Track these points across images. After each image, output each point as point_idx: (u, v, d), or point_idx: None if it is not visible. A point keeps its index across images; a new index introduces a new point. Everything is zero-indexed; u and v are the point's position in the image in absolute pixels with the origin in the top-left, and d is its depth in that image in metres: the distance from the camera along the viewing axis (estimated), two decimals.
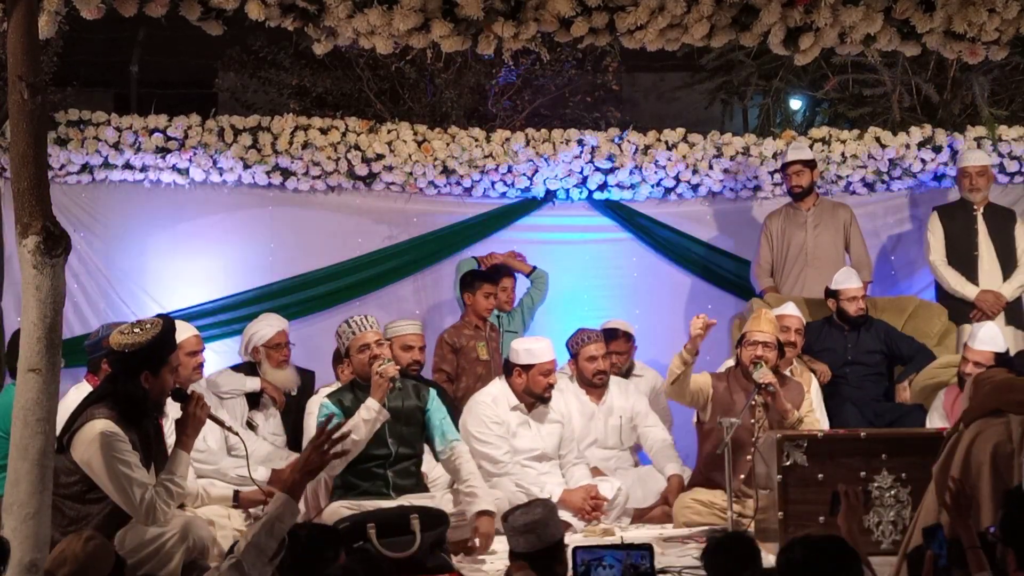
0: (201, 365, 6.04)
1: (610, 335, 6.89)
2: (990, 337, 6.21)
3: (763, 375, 5.84)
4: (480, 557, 5.38)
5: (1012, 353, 6.44)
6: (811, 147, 7.83)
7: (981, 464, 4.06)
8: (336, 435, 3.71)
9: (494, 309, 7.19)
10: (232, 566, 3.30)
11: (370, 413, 5.36)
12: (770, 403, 5.88)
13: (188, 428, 4.61)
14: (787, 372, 6.29)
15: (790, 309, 6.59)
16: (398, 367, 5.57)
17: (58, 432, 4.40)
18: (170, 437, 4.86)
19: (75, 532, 3.52)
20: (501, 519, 3.84)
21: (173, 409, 4.76)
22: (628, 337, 7.01)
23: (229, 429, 5.05)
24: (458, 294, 7.27)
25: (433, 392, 5.75)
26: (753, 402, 5.85)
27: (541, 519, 3.73)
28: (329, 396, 5.62)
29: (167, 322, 4.57)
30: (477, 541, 5.43)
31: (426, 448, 5.77)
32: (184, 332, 5.88)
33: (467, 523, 5.46)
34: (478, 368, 7.00)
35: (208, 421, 4.74)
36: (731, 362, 6.37)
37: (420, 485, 5.65)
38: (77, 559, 3.24)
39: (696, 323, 5.80)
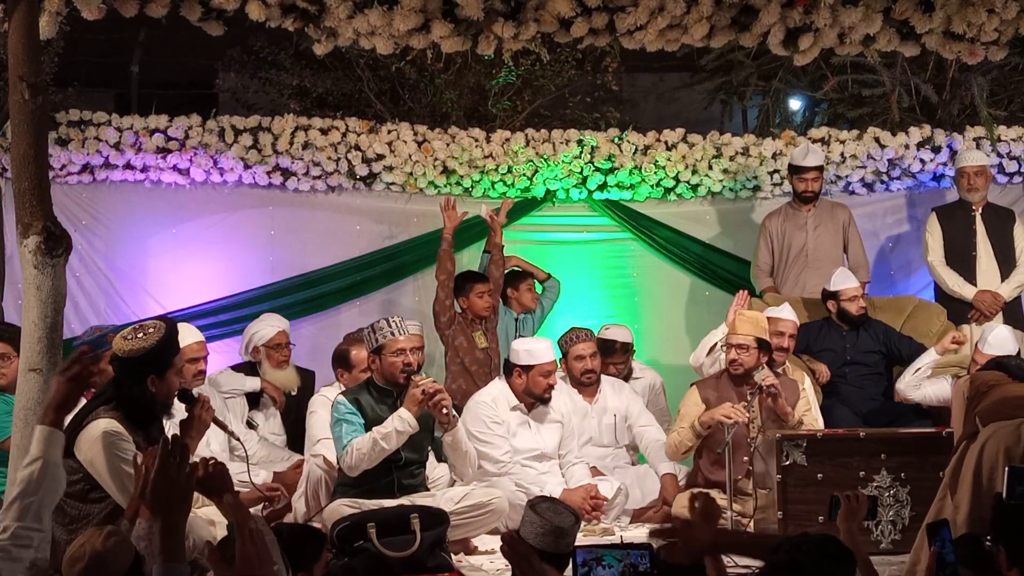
0: (203, 372, 5.98)
1: (608, 348, 6.85)
2: (1000, 342, 6.12)
3: (765, 376, 5.86)
4: (480, 557, 5.39)
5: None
6: None
7: (993, 467, 4.07)
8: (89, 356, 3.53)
9: (493, 306, 7.15)
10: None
11: (404, 425, 5.28)
12: (771, 405, 5.88)
13: (192, 431, 4.60)
14: (780, 370, 6.30)
15: (785, 313, 6.50)
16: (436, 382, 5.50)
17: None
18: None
19: (96, 528, 3.49)
20: (528, 504, 3.84)
21: (178, 410, 4.76)
22: (625, 348, 7.00)
23: (231, 434, 5.06)
24: (456, 307, 7.21)
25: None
26: (745, 403, 5.88)
27: (567, 529, 3.74)
28: (344, 394, 5.56)
29: (170, 325, 4.57)
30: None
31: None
32: (187, 337, 5.84)
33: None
34: (477, 353, 7.04)
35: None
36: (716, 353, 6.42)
37: (423, 485, 5.65)
38: (96, 554, 3.23)
39: (729, 412, 5.70)
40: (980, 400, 4.36)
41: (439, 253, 7.15)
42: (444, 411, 5.37)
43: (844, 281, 6.92)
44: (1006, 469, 3.47)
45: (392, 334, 5.49)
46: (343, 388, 6.11)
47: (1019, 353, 6.31)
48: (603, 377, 6.70)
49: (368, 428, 5.33)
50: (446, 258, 7.12)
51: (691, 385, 6.30)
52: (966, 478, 4.10)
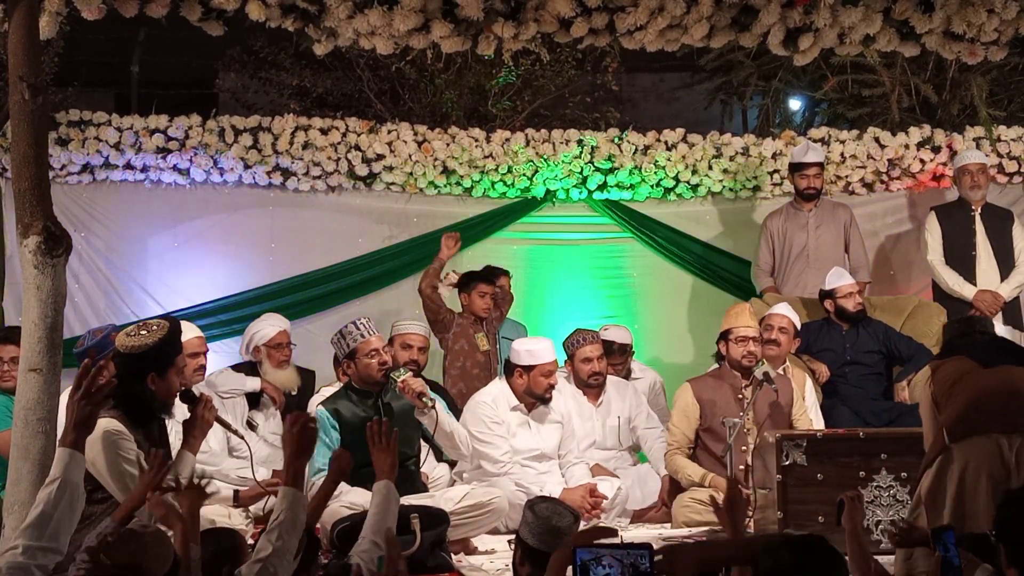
0: (203, 367, 6.01)
1: (606, 349, 6.76)
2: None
3: (764, 369, 5.90)
4: (480, 557, 5.39)
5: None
6: None
7: (974, 494, 3.99)
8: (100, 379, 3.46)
9: (490, 308, 7.14)
10: (260, 569, 3.22)
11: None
12: (776, 398, 5.93)
13: (195, 430, 4.60)
14: (780, 371, 6.30)
15: (780, 308, 6.55)
16: (416, 375, 5.51)
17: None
18: (173, 434, 4.86)
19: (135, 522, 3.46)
20: (526, 504, 3.84)
21: (180, 410, 4.75)
22: (624, 349, 6.98)
23: (235, 432, 5.06)
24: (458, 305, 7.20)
25: (436, 397, 5.70)
26: (740, 396, 5.85)
27: (565, 528, 3.74)
28: (324, 403, 5.53)
29: (173, 323, 4.56)
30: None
31: (426, 448, 5.77)
32: (187, 333, 5.86)
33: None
34: (479, 356, 7.03)
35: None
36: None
37: (418, 484, 5.63)
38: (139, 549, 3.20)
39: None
40: (945, 402, 4.20)
41: (428, 269, 7.03)
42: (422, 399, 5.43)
43: (838, 279, 6.93)
44: None
45: (363, 336, 5.51)
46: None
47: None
48: (607, 378, 6.68)
49: (349, 435, 5.33)
50: (434, 275, 6.99)
51: (685, 381, 6.30)
52: (946, 504, 4.00)
